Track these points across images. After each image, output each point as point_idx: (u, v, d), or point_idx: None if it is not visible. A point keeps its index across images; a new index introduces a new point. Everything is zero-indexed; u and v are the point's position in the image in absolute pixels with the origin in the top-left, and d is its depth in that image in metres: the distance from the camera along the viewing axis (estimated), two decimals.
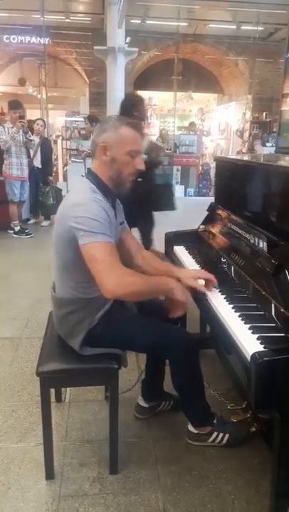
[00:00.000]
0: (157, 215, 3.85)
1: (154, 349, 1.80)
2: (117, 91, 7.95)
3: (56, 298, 1.74)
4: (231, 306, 1.60)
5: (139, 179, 1.90)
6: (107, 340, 1.69)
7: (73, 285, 1.68)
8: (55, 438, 1.78)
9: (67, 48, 12.29)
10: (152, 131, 14.46)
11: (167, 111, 14.61)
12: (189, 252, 2.35)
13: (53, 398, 2.08)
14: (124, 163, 1.62)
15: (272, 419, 1.44)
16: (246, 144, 11.52)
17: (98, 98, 11.60)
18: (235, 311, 1.55)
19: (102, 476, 1.75)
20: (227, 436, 1.88)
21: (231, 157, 2.76)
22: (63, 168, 10.08)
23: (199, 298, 1.80)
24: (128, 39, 8.75)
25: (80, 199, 1.57)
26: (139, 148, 1.67)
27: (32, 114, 12.06)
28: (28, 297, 3.63)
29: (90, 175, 1.67)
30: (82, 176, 1.76)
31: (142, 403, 2.06)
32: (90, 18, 11.11)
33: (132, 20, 9.75)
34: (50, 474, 1.73)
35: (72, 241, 1.55)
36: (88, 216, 1.51)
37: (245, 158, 2.81)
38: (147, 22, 10.62)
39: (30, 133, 5.90)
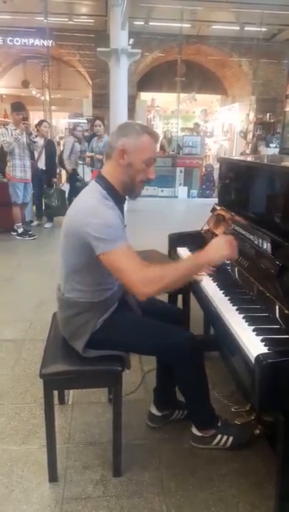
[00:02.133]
0: (159, 216, 3.84)
1: (158, 351, 1.79)
2: (120, 92, 7.95)
3: (62, 299, 1.74)
4: (235, 307, 1.59)
5: None
6: (111, 343, 1.68)
7: (80, 288, 1.68)
8: (59, 440, 1.78)
9: (71, 50, 12.34)
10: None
11: (170, 112, 14.61)
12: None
13: (56, 400, 2.08)
14: (139, 170, 1.62)
15: (276, 421, 1.43)
16: (250, 145, 11.50)
17: (101, 100, 11.63)
18: (239, 313, 1.54)
19: (106, 478, 1.74)
20: (231, 438, 1.87)
21: (235, 158, 2.75)
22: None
23: (200, 297, 1.79)
24: (131, 41, 8.76)
25: (92, 206, 1.56)
26: (155, 157, 1.68)
27: (35, 116, 12.12)
28: (31, 299, 3.63)
29: (100, 179, 1.65)
30: (78, 178, 1.75)
31: (155, 411, 2.03)
32: (93, 20, 11.16)
33: (135, 22, 9.77)
34: (53, 477, 1.73)
35: (85, 247, 1.55)
36: (104, 224, 1.51)
37: (249, 159, 2.80)
38: (150, 23, 10.65)
39: (34, 134, 5.90)
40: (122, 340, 1.70)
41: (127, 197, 1.73)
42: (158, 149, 11.70)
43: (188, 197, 10.45)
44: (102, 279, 1.64)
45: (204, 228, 2.48)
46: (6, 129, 5.60)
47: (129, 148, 1.59)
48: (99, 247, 1.51)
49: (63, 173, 8.12)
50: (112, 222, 1.53)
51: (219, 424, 1.87)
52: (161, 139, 12.45)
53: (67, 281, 1.70)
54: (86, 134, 8.83)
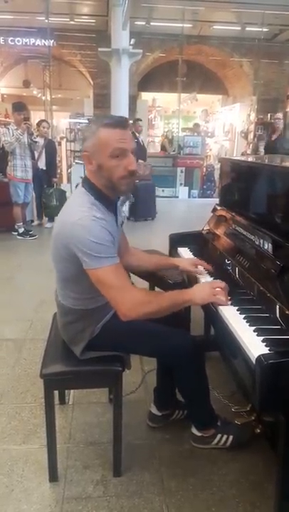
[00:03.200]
0: (160, 217, 3.84)
1: (158, 353, 1.79)
2: (121, 92, 7.96)
3: (58, 304, 1.75)
4: (236, 308, 1.59)
5: None
6: (110, 346, 1.68)
7: (74, 296, 1.67)
8: (59, 440, 1.78)
9: (72, 50, 12.34)
10: (156, 133, 14.51)
11: (171, 112, 14.61)
12: (194, 254, 2.34)
13: (56, 400, 2.08)
14: (111, 167, 1.50)
15: (276, 421, 1.43)
16: (251, 145, 11.50)
17: (102, 100, 11.63)
18: (240, 313, 1.54)
19: (106, 478, 1.74)
20: (231, 438, 1.86)
21: (236, 158, 2.75)
22: (67, 169, 10.10)
23: None
24: (132, 41, 8.76)
25: (80, 218, 1.47)
26: (125, 146, 1.49)
27: (36, 115, 12.11)
28: (31, 298, 3.63)
29: (86, 184, 1.59)
30: (81, 177, 1.71)
31: (155, 411, 2.03)
32: (94, 20, 11.16)
33: (136, 22, 9.76)
34: (53, 476, 1.73)
35: (72, 259, 1.52)
36: (91, 239, 1.45)
37: (250, 159, 2.80)
38: (151, 24, 10.65)
39: (35, 135, 5.91)
40: (121, 344, 1.69)
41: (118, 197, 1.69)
42: (160, 150, 11.72)
43: (189, 197, 10.45)
44: (96, 288, 1.57)
45: (205, 228, 2.48)
46: (7, 128, 5.60)
47: (90, 150, 1.50)
48: (86, 262, 1.47)
49: (64, 172, 8.13)
50: (101, 237, 1.46)
51: (219, 424, 1.87)
52: (162, 139, 12.47)
53: (61, 288, 1.70)
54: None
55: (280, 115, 6.76)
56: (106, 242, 1.48)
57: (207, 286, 1.67)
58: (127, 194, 1.64)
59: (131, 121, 7.81)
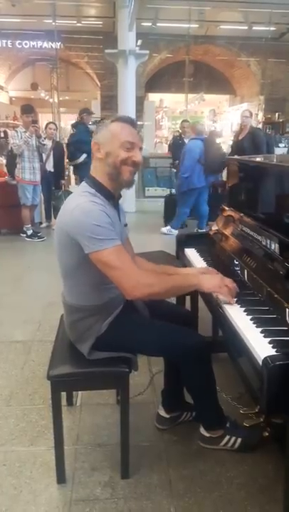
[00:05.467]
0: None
1: (166, 352, 1.78)
2: (128, 94, 7.95)
3: (65, 304, 1.75)
4: (243, 309, 1.58)
5: None
6: (118, 345, 1.68)
7: (78, 292, 1.68)
8: (67, 442, 1.78)
9: (79, 52, 12.39)
10: (164, 133, 14.50)
11: (179, 113, 14.59)
12: (200, 255, 2.33)
13: (64, 402, 2.09)
14: (118, 156, 1.59)
15: (285, 423, 1.41)
16: None
17: (110, 101, 11.66)
18: (247, 314, 1.53)
19: (114, 480, 1.74)
20: (239, 440, 1.85)
21: (243, 158, 2.74)
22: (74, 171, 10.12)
23: (207, 299, 1.79)
24: (139, 42, 8.76)
25: (79, 204, 1.55)
26: (133, 140, 1.61)
27: (44, 118, 12.18)
28: (40, 300, 3.64)
29: (89, 178, 1.66)
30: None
31: (163, 413, 2.02)
32: (101, 22, 11.19)
33: (142, 23, 9.77)
34: (61, 478, 1.73)
35: (74, 247, 1.54)
36: (92, 222, 1.49)
37: (258, 159, 2.78)
38: (158, 24, 10.65)
39: (43, 137, 5.94)
40: (129, 343, 1.70)
41: (121, 190, 1.71)
42: (166, 150, 11.70)
43: None
44: (100, 279, 1.60)
45: (212, 229, 2.47)
46: (16, 131, 5.64)
47: (101, 139, 1.61)
48: (88, 245, 1.50)
49: (72, 174, 8.15)
50: (102, 220, 1.51)
51: (228, 425, 1.86)
52: (170, 140, 12.44)
53: (66, 286, 1.71)
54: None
55: (247, 113, 6.39)
56: (106, 225, 1.52)
57: (218, 278, 1.67)
58: (128, 185, 1.67)
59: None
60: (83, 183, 1.68)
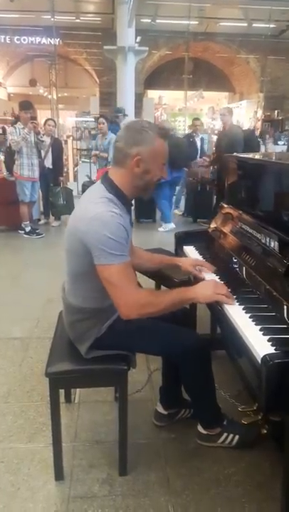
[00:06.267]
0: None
1: (164, 352, 1.79)
2: (127, 90, 7.95)
3: (65, 302, 1.74)
4: (242, 307, 1.57)
5: None
6: (116, 345, 1.68)
7: (82, 294, 1.67)
8: (65, 439, 1.78)
9: (78, 49, 12.37)
10: None
11: (178, 110, 14.57)
12: (199, 252, 2.33)
13: (62, 399, 2.08)
14: (156, 176, 1.61)
15: (283, 421, 1.41)
16: None
17: (108, 98, 11.65)
18: (246, 312, 1.53)
19: (112, 477, 1.74)
20: (237, 437, 1.86)
21: (242, 156, 2.73)
22: (74, 168, 10.11)
23: None
24: (138, 38, 8.75)
25: (97, 213, 1.49)
26: (167, 159, 1.66)
27: (43, 114, 12.14)
28: (38, 297, 3.64)
29: (106, 181, 1.60)
30: (87, 176, 1.74)
31: (161, 410, 2.03)
32: (100, 18, 11.17)
33: (142, 20, 9.76)
34: (59, 475, 1.73)
35: (85, 254, 1.53)
36: (108, 235, 1.46)
37: (257, 156, 2.77)
38: (157, 21, 10.64)
39: (41, 133, 5.92)
40: (128, 343, 1.69)
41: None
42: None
43: None
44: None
45: (211, 226, 2.47)
46: (14, 127, 5.62)
47: (145, 156, 1.55)
48: (98, 257, 1.48)
49: (70, 171, 8.14)
50: (117, 234, 1.48)
51: (225, 423, 1.86)
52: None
53: (71, 285, 1.70)
54: (93, 132, 8.84)
55: (224, 111, 6.38)
56: (121, 240, 1.50)
57: (211, 285, 1.65)
58: (147, 196, 1.73)
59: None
60: (99, 185, 1.62)
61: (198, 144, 7.30)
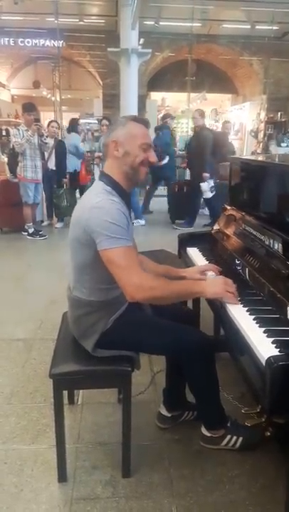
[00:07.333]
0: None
1: (169, 350, 1.78)
2: (130, 92, 7.95)
3: (71, 298, 1.75)
4: (246, 308, 1.57)
5: None
6: (122, 342, 1.68)
7: (88, 287, 1.68)
8: (68, 440, 1.78)
9: (81, 51, 12.39)
10: None
11: (181, 112, 14.56)
12: (203, 254, 2.33)
13: (65, 400, 2.08)
14: (136, 156, 1.63)
15: (287, 423, 1.41)
16: (261, 145, 11.42)
17: (112, 100, 11.65)
18: (250, 314, 1.52)
19: (115, 479, 1.74)
20: (240, 439, 1.85)
21: (246, 157, 2.73)
22: None
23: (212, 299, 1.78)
24: (141, 40, 8.74)
25: (98, 202, 1.56)
26: (150, 142, 1.69)
27: (46, 116, 12.18)
28: (41, 298, 3.64)
29: (104, 177, 1.67)
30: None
31: (164, 412, 2.02)
32: (103, 21, 11.18)
33: (145, 22, 9.76)
34: (62, 477, 1.73)
35: (89, 243, 1.56)
36: (109, 220, 1.52)
37: (260, 158, 2.77)
38: (161, 23, 10.63)
39: (45, 135, 5.93)
40: (133, 340, 1.70)
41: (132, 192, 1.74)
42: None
43: None
44: (111, 276, 1.61)
45: (215, 228, 2.47)
46: (18, 129, 5.63)
47: (120, 138, 1.62)
48: (101, 242, 1.52)
49: None
50: (117, 219, 1.53)
51: (229, 425, 1.86)
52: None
53: (76, 280, 1.71)
54: (96, 134, 8.85)
55: (196, 113, 6.35)
56: (122, 224, 1.54)
57: (220, 282, 1.66)
58: (142, 184, 1.70)
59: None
60: (97, 181, 1.69)
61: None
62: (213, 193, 6.19)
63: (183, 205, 6.70)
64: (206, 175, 6.12)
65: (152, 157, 1.67)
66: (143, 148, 1.63)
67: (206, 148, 6.15)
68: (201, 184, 6.16)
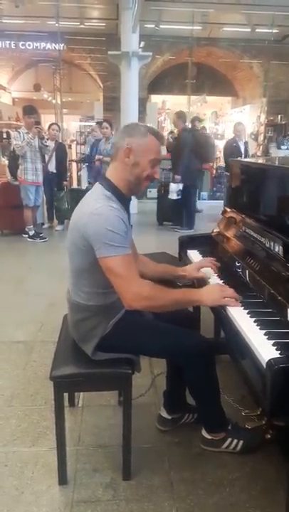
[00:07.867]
0: None
1: (169, 353, 1.78)
2: (131, 95, 7.95)
3: (70, 303, 1.75)
4: (246, 311, 1.57)
5: None
6: (122, 346, 1.68)
7: (87, 291, 1.68)
8: (69, 443, 1.78)
9: (82, 54, 12.42)
10: (166, 135, 14.49)
11: None
12: (203, 256, 2.32)
13: (66, 403, 2.08)
14: (145, 169, 1.63)
15: (288, 426, 1.41)
16: (261, 147, 11.43)
17: (112, 103, 11.66)
18: (251, 316, 1.53)
19: (116, 482, 1.74)
20: (241, 442, 1.85)
21: (246, 160, 2.73)
22: (77, 172, 10.14)
23: None
24: (142, 43, 8.76)
25: (97, 208, 1.56)
26: (160, 159, 1.69)
27: (47, 119, 12.20)
28: (42, 301, 3.65)
29: (104, 181, 1.67)
30: (88, 181, 1.79)
31: (165, 415, 2.02)
32: (104, 24, 11.21)
33: (145, 25, 9.78)
34: (63, 479, 1.73)
35: (87, 249, 1.56)
36: (108, 228, 1.51)
37: (260, 161, 2.78)
38: (161, 26, 10.65)
39: (45, 138, 5.94)
40: (133, 344, 1.70)
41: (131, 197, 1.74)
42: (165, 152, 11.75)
43: (199, 199, 10.39)
44: (108, 282, 1.61)
45: (215, 230, 2.47)
46: (18, 132, 5.65)
47: (135, 147, 1.61)
48: (100, 250, 1.52)
49: (74, 175, 8.16)
50: (116, 227, 1.53)
51: (229, 428, 1.86)
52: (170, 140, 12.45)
53: (75, 284, 1.71)
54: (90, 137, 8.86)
55: (175, 116, 6.53)
56: (121, 232, 1.54)
57: (216, 289, 1.67)
58: (139, 194, 1.77)
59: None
60: (97, 185, 1.68)
61: (242, 148, 7.32)
62: (179, 197, 6.28)
63: (169, 206, 6.72)
64: (178, 177, 6.24)
65: (157, 174, 1.69)
66: (152, 164, 1.64)
67: (185, 148, 6.23)
68: (171, 184, 6.32)
